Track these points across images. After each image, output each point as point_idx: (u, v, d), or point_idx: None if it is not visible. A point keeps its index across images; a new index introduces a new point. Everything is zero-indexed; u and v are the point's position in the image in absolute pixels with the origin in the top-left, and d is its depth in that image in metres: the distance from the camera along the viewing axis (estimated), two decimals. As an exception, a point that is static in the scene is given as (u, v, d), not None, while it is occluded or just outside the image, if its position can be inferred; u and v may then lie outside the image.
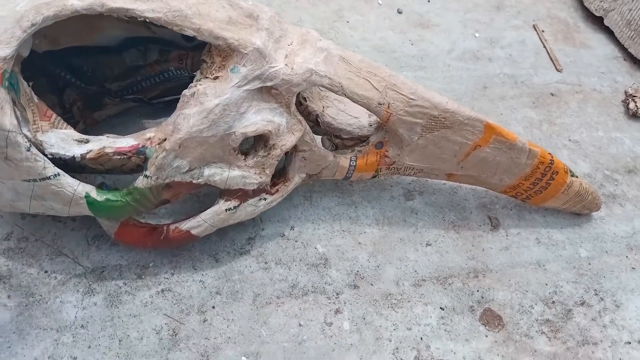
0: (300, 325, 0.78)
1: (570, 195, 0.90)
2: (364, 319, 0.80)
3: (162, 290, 0.79)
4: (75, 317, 0.75)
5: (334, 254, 0.86)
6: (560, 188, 0.88)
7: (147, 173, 0.67)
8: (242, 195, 0.75)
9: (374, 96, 0.72)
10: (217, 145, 0.68)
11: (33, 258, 0.79)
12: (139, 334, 0.74)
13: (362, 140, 0.82)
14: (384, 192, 0.96)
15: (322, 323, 0.79)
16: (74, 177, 0.66)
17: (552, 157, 0.84)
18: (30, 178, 0.63)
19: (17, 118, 0.60)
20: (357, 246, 0.88)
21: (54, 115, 0.66)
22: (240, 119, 0.68)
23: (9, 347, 0.71)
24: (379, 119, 0.77)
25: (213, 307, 0.78)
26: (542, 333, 0.82)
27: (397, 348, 0.78)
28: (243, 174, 0.72)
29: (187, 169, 0.68)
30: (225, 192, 0.74)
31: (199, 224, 0.75)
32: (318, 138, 0.80)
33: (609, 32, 1.36)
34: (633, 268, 0.92)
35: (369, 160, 0.81)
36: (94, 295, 0.77)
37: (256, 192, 0.76)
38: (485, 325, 0.82)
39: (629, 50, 1.31)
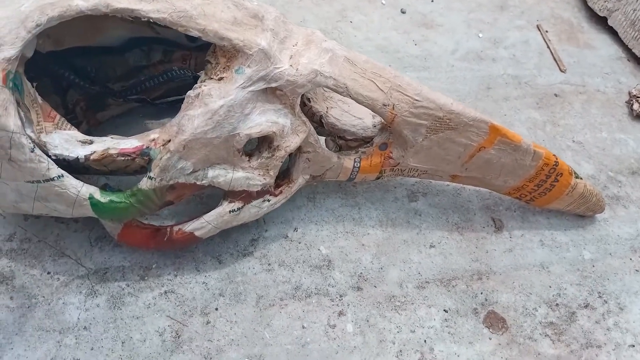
0: (303, 327, 0.78)
1: (575, 197, 0.90)
2: (368, 321, 0.80)
3: (165, 292, 0.79)
4: (78, 318, 0.75)
5: (337, 255, 0.86)
6: (565, 190, 0.88)
7: (151, 174, 0.67)
8: (246, 196, 0.74)
9: (379, 97, 0.72)
10: (222, 147, 0.68)
11: (36, 259, 0.79)
12: (141, 336, 0.74)
13: (366, 141, 0.81)
14: (387, 193, 0.95)
15: (325, 325, 0.79)
16: (77, 178, 0.66)
17: (556, 158, 0.84)
18: (34, 179, 0.63)
19: (21, 119, 0.60)
20: (360, 248, 0.88)
21: (58, 116, 0.66)
22: (244, 120, 0.67)
23: (12, 348, 0.71)
24: (383, 120, 0.77)
25: (216, 309, 0.78)
26: (545, 336, 0.82)
27: (400, 350, 0.78)
28: (247, 175, 0.72)
29: (191, 170, 0.68)
30: (229, 194, 0.74)
31: (203, 225, 0.74)
32: (322, 139, 0.79)
33: (613, 33, 1.36)
34: (637, 270, 0.92)
35: (373, 161, 0.81)
36: (96, 296, 0.77)
37: (260, 194, 0.75)
38: (489, 328, 0.82)
39: (633, 50, 1.30)
